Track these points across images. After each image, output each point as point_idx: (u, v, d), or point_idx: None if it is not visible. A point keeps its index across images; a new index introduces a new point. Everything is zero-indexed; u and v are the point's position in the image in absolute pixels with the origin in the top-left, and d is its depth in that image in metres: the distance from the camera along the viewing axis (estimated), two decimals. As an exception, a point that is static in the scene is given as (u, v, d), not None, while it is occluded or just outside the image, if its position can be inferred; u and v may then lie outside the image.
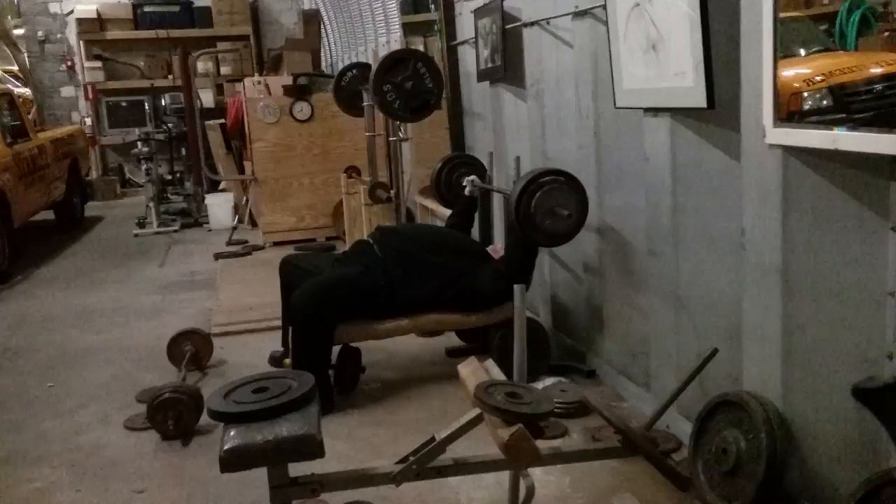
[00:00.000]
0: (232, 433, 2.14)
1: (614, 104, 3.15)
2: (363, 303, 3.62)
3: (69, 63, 11.70)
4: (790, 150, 2.24)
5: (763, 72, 2.19)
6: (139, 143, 8.78)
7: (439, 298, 3.68)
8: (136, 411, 3.65)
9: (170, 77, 11.40)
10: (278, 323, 4.28)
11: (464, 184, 4.25)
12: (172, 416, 3.34)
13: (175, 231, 8.52)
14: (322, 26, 10.16)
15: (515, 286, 2.87)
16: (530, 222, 3.19)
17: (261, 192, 7.34)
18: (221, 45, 11.21)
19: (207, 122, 8.61)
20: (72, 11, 11.46)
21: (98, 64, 11.45)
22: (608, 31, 3.07)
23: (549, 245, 3.65)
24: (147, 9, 11.49)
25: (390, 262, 3.70)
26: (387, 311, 3.66)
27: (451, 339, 4.31)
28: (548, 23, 3.89)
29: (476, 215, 4.39)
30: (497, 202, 4.62)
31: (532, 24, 4.05)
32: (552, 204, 3.15)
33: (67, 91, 11.86)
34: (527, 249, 3.57)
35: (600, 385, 3.67)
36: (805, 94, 2.20)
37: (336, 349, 3.66)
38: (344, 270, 3.72)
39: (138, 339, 4.83)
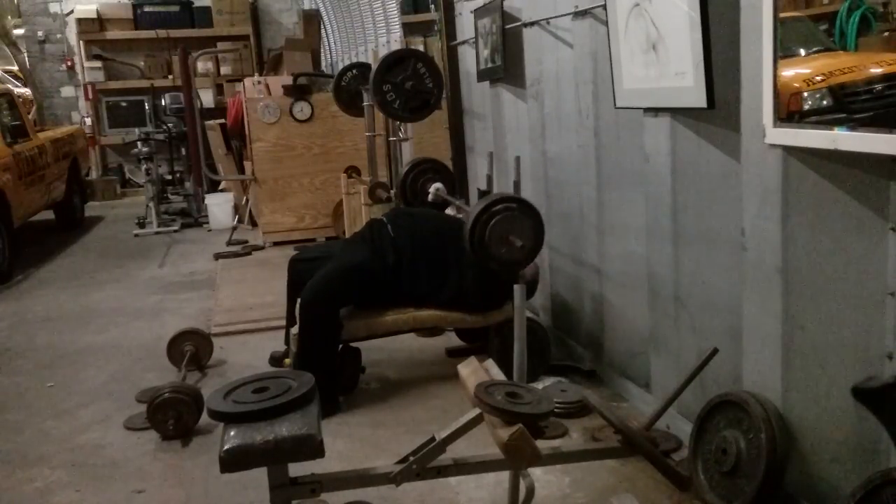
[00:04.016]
0: (232, 433, 2.14)
1: (614, 104, 3.15)
2: (369, 289, 3.62)
3: (69, 63, 11.70)
4: (790, 150, 2.24)
5: (763, 72, 2.19)
6: (139, 143, 8.78)
7: (443, 291, 3.67)
8: (136, 411, 3.65)
9: (170, 77, 11.39)
10: (278, 323, 4.29)
11: (429, 190, 4.25)
12: (172, 416, 3.34)
13: (175, 231, 8.52)
14: (322, 26, 10.17)
15: (515, 286, 2.87)
16: (485, 251, 3.14)
17: (261, 192, 7.34)
18: (221, 45, 11.21)
19: (207, 122, 8.61)
20: (72, 11, 11.46)
21: (98, 64, 11.45)
22: (608, 31, 3.07)
23: (505, 273, 3.52)
24: (147, 9, 11.48)
25: (401, 242, 3.71)
26: (390, 297, 3.66)
27: (451, 339, 4.31)
28: (548, 23, 3.89)
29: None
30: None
31: (532, 24, 4.05)
32: (506, 232, 3.09)
33: (67, 91, 11.86)
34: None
35: (600, 385, 3.67)
36: (805, 94, 2.20)
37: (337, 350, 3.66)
38: (351, 257, 3.70)
39: (138, 339, 4.83)
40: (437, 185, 4.23)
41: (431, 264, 3.68)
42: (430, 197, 4.23)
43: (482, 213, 3.05)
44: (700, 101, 2.56)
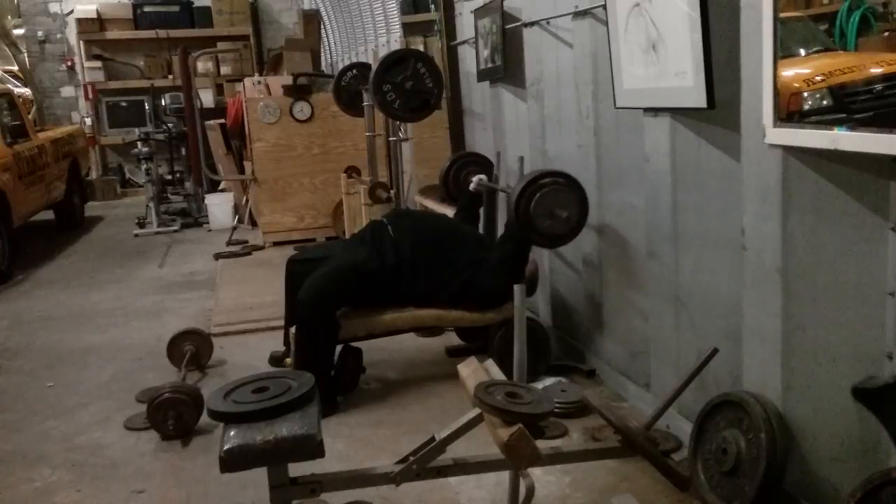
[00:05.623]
0: (232, 433, 2.14)
1: (614, 104, 3.15)
2: (367, 289, 3.61)
3: (69, 63, 11.70)
4: (790, 150, 2.24)
5: (763, 72, 2.19)
6: (139, 143, 8.78)
7: (443, 291, 3.66)
8: (136, 411, 3.65)
9: (170, 77, 11.40)
10: (278, 323, 4.29)
11: (472, 180, 4.22)
12: (172, 416, 3.34)
13: (175, 231, 8.52)
14: (322, 26, 10.16)
15: (515, 286, 2.87)
16: (530, 223, 3.19)
17: (261, 192, 7.34)
18: (221, 45, 11.21)
19: (207, 122, 8.60)
20: (72, 11, 11.46)
21: (98, 64, 11.45)
22: (608, 31, 3.07)
23: (550, 246, 3.63)
24: (147, 9, 11.49)
25: (402, 242, 3.71)
26: (389, 298, 3.66)
27: (451, 339, 4.31)
28: (548, 23, 3.89)
29: (481, 214, 4.37)
30: (502, 203, 4.62)
31: (532, 24, 4.05)
32: (551, 206, 3.13)
33: (67, 91, 11.87)
34: (521, 246, 3.53)
35: (600, 385, 3.67)
36: (805, 94, 2.20)
37: (336, 349, 3.65)
38: (351, 258, 3.70)
39: (138, 339, 4.83)
40: (481, 176, 4.19)
41: (431, 265, 3.68)
42: (472, 187, 4.18)
43: (528, 186, 3.08)
44: (700, 101, 2.56)
